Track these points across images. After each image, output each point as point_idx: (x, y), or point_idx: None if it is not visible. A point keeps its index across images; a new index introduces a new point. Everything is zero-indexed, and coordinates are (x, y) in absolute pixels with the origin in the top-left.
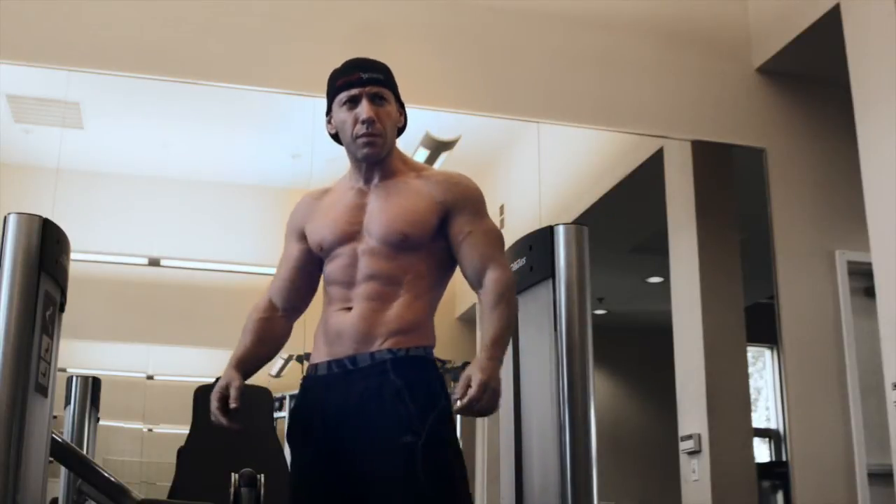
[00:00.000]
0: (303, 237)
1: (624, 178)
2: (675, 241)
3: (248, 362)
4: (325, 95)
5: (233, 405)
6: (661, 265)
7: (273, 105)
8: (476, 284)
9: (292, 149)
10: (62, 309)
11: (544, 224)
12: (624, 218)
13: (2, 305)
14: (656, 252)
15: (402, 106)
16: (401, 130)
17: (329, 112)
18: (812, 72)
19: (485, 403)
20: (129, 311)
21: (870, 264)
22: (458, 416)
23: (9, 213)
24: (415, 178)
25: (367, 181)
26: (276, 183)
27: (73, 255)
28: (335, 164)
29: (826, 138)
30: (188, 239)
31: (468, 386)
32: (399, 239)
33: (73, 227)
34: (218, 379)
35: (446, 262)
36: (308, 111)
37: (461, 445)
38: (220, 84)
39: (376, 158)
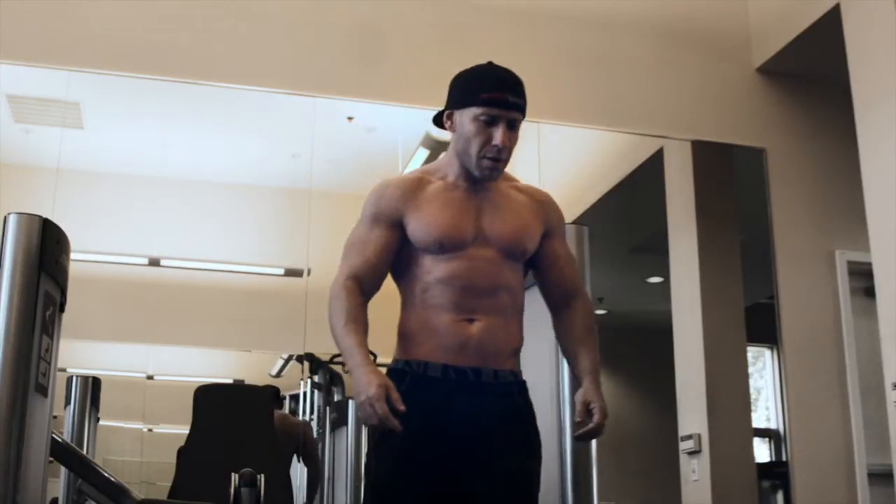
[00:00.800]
0: (396, 225)
1: (624, 178)
2: (675, 241)
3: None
4: (325, 94)
5: (401, 408)
6: (661, 265)
7: (273, 105)
8: (562, 306)
9: (292, 149)
10: (62, 309)
11: None
12: (624, 218)
13: (2, 305)
14: (656, 252)
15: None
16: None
17: (453, 108)
18: (812, 72)
19: (602, 428)
20: (129, 311)
21: (870, 264)
22: None
23: (9, 213)
24: (515, 191)
25: (470, 180)
26: (276, 183)
27: (73, 255)
28: (335, 164)
29: (826, 138)
30: (188, 239)
31: (590, 412)
32: (520, 252)
33: (73, 227)
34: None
35: (525, 278)
36: (308, 111)
37: None
38: (220, 84)
39: (493, 181)
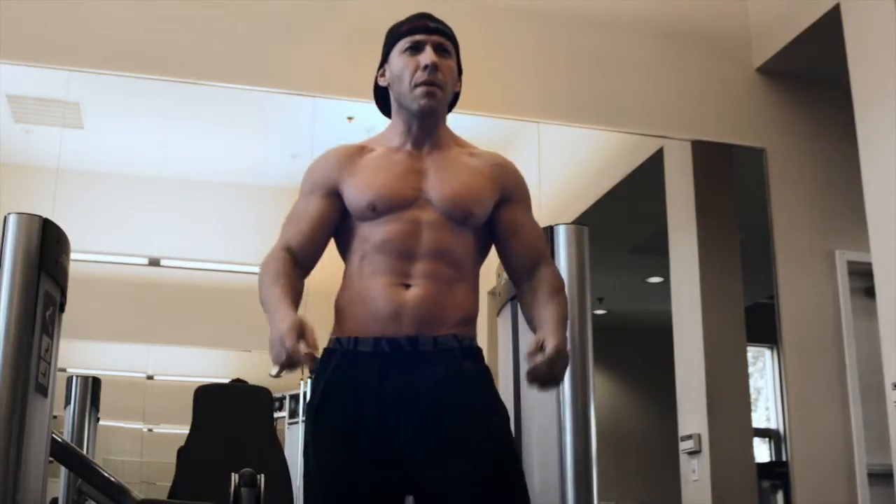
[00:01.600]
0: (332, 193)
1: (624, 178)
2: (675, 241)
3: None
4: (325, 94)
5: (313, 343)
6: (661, 265)
7: (273, 105)
8: (524, 276)
9: (292, 149)
10: (62, 309)
11: (544, 224)
12: (624, 218)
13: (2, 305)
14: (656, 252)
15: (460, 71)
16: (453, 101)
17: (383, 64)
18: (812, 72)
19: (557, 370)
20: (129, 311)
21: (870, 264)
22: None
23: (9, 213)
24: (468, 156)
25: (418, 146)
26: (276, 183)
27: (73, 255)
28: None
29: (826, 138)
30: (188, 239)
31: (541, 349)
32: (464, 215)
33: (73, 227)
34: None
35: (485, 250)
36: (308, 111)
37: None
38: (220, 84)
39: (433, 111)
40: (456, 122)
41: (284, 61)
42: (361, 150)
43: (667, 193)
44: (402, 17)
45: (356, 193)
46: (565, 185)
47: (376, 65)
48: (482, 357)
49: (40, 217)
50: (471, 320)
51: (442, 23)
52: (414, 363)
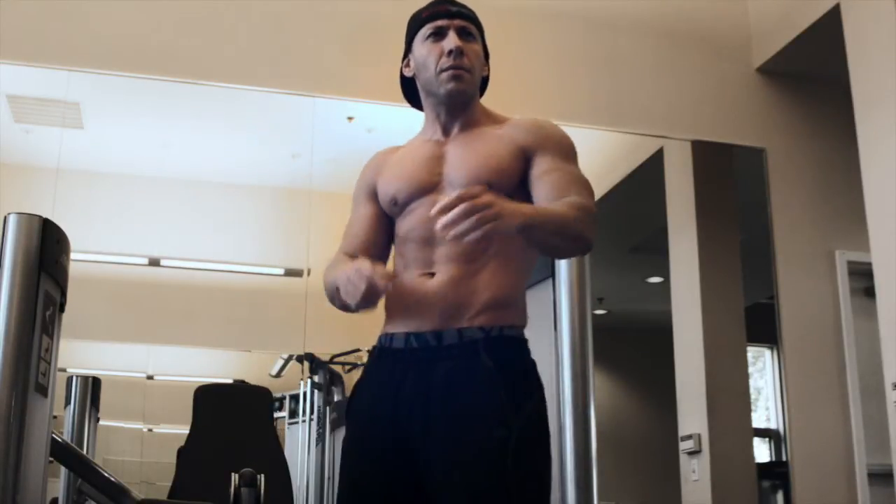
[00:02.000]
0: (373, 196)
1: (624, 178)
2: (675, 241)
3: None
4: (325, 94)
5: (383, 276)
6: (661, 265)
7: (273, 105)
8: None
9: (292, 149)
10: (62, 309)
11: None
12: (624, 218)
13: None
14: (656, 252)
15: (487, 55)
16: (484, 84)
17: (407, 55)
18: (812, 72)
19: (474, 212)
20: (129, 311)
21: (870, 264)
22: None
23: (9, 213)
24: (495, 127)
25: (447, 132)
26: (276, 183)
27: (73, 255)
28: (335, 164)
29: (826, 138)
30: (188, 239)
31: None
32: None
33: (73, 227)
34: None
35: None
36: (308, 111)
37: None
38: (220, 84)
39: (462, 97)
40: None
41: (285, 61)
42: (397, 148)
43: (667, 193)
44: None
45: (383, 191)
46: None
47: (377, 65)
48: (514, 346)
49: (40, 217)
50: (503, 302)
51: (464, 6)
52: (434, 359)
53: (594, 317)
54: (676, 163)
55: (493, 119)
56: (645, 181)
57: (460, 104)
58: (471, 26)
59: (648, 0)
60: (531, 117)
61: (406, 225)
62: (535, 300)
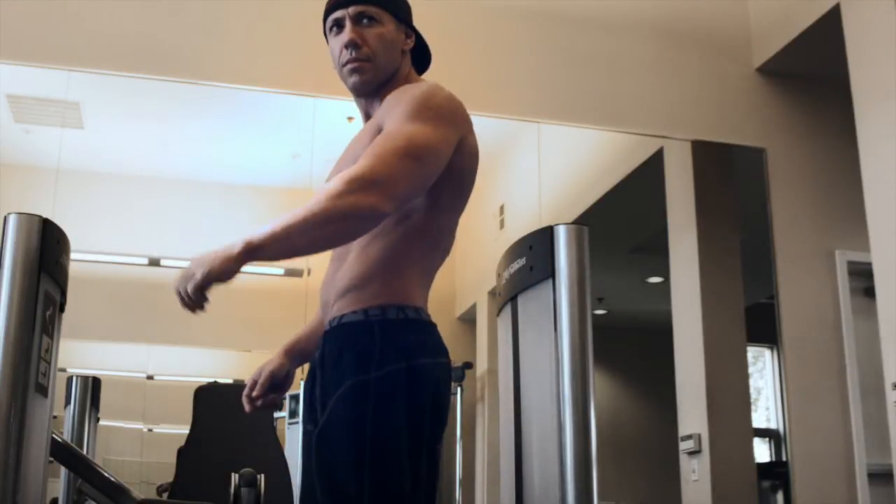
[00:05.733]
0: None
1: (624, 178)
2: (675, 241)
3: (306, 338)
4: (325, 94)
5: (255, 393)
6: (661, 265)
7: (273, 105)
8: None
9: (292, 149)
10: (62, 309)
11: (544, 224)
12: (624, 218)
13: (2, 305)
14: (656, 252)
15: (409, 26)
16: (414, 55)
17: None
18: (812, 72)
19: (180, 283)
20: (129, 311)
21: (870, 264)
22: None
23: (9, 213)
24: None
25: (367, 116)
26: (276, 183)
27: (73, 255)
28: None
29: (826, 138)
30: (188, 239)
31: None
32: None
33: (73, 227)
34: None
35: (421, 199)
36: (308, 111)
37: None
38: (220, 84)
39: (366, 87)
40: None
41: (284, 61)
42: None
43: (667, 193)
44: None
45: None
46: (565, 186)
47: None
48: (345, 333)
49: (40, 217)
50: (352, 288)
51: None
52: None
53: (594, 317)
54: (676, 163)
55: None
56: (645, 181)
57: (367, 93)
58: (370, 8)
59: (648, 0)
60: (405, 87)
61: None
62: (535, 300)
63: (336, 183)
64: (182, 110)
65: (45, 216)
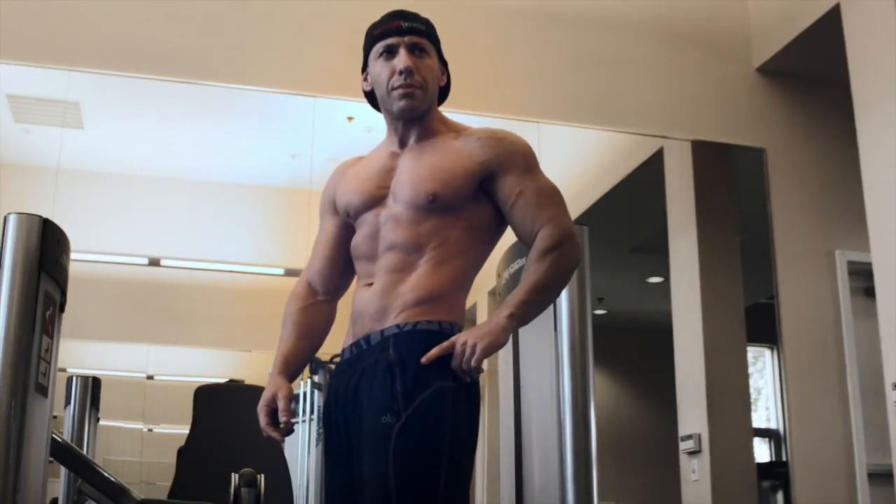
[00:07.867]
0: (336, 210)
1: (624, 178)
2: (675, 241)
3: (294, 362)
4: (325, 94)
5: (283, 419)
6: (661, 265)
7: (273, 105)
8: (530, 246)
9: (292, 149)
10: (62, 309)
11: None
12: (624, 218)
13: (2, 305)
14: (656, 252)
15: (445, 65)
16: (444, 92)
17: (365, 68)
18: (812, 72)
19: (458, 360)
20: (129, 311)
21: (870, 264)
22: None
23: (9, 213)
24: (454, 139)
25: (403, 143)
26: (276, 183)
27: (73, 255)
28: (335, 164)
29: (826, 138)
30: (188, 239)
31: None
32: (426, 200)
33: (73, 227)
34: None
35: (488, 228)
36: (308, 111)
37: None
38: (220, 84)
39: (414, 113)
40: (457, 121)
41: (284, 61)
42: (358, 160)
43: (667, 193)
44: None
45: (340, 204)
46: (565, 186)
47: None
48: (426, 338)
49: (40, 217)
50: (425, 300)
51: (416, 19)
52: (359, 361)
53: (594, 317)
54: (676, 163)
55: (451, 128)
56: (645, 181)
57: (413, 119)
58: (423, 41)
59: (648, 0)
60: (488, 129)
61: (356, 239)
62: None
63: (557, 240)
64: (182, 110)
65: (45, 216)
